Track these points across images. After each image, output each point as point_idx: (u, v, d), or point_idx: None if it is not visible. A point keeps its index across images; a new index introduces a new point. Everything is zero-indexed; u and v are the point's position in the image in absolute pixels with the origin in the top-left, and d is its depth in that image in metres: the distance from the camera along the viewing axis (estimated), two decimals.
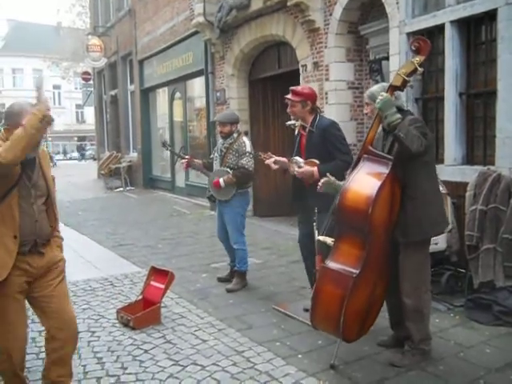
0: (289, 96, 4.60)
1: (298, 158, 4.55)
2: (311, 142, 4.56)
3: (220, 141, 5.72)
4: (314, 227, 4.29)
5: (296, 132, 4.73)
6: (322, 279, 3.62)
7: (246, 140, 5.60)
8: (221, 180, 5.41)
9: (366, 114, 3.85)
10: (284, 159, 4.73)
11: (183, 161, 5.83)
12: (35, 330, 4.47)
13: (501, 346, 3.95)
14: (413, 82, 3.64)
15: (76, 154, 47.52)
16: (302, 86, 4.74)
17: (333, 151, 4.46)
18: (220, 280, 5.82)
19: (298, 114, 4.61)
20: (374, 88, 3.81)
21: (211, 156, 5.89)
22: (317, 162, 4.42)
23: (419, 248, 3.64)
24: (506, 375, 3.50)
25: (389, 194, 3.49)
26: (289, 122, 4.79)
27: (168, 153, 13.92)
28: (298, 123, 4.67)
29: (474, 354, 3.82)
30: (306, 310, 4.61)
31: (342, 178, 4.38)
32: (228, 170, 5.45)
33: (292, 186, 4.82)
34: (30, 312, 4.90)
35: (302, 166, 4.46)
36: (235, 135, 5.55)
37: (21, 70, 49.14)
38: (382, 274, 3.64)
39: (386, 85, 3.80)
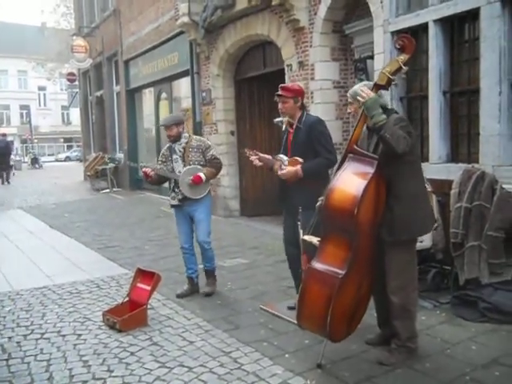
0: (281, 92, 4.60)
1: (282, 156, 4.55)
2: (298, 139, 4.57)
3: (172, 145, 5.44)
4: (299, 226, 4.29)
5: (283, 128, 4.75)
6: (309, 280, 3.61)
7: (200, 137, 5.57)
8: (201, 174, 5.26)
9: (350, 113, 3.85)
10: (268, 156, 4.73)
11: (147, 169, 5.38)
12: (20, 334, 4.44)
13: (486, 343, 3.97)
14: (397, 81, 3.64)
15: (62, 156, 47.18)
16: (291, 83, 4.77)
17: (318, 148, 4.47)
18: (179, 296, 5.38)
19: (289, 111, 4.60)
20: (357, 87, 3.80)
21: (159, 166, 5.47)
22: (300, 160, 4.42)
23: (406, 247, 3.65)
24: (492, 371, 3.52)
25: (374, 193, 3.49)
26: (276, 119, 4.80)
27: (154, 154, 13.91)
28: (284, 119, 4.67)
29: (460, 351, 3.84)
30: (291, 308, 4.63)
31: (325, 175, 4.42)
32: (198, 166, 5.32)
33: (278, 185, 4.82)
34: (15, 316, 4.90)
35: (285, 164, 4.47)
36: (187, 134, 5.48)
37: (5, 72, 48.73)
38: (368, 274, 3.65)
39: (368, 83, 3.81)
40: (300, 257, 4.45)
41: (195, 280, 5.54)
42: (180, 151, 5.39)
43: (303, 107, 4.67)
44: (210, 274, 5.59)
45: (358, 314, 3.76)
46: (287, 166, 4.46)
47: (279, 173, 4.50)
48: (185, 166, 5.35)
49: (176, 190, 5.40)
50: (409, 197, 3.57)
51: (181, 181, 5.30)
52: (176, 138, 5.38)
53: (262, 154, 4.76)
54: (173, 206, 5.53)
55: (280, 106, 4.62)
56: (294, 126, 4.58)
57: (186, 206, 5.41)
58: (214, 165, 5.41)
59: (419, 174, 3.74)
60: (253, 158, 4.74)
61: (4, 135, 21.94)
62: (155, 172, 5.37)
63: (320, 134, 4.53)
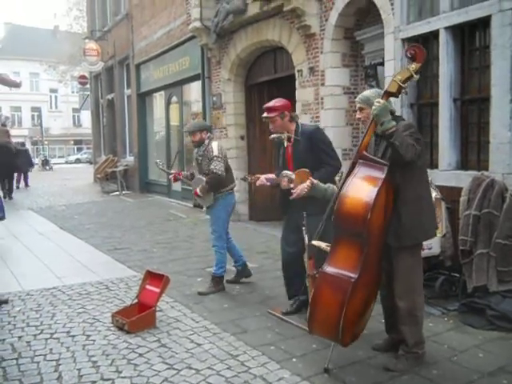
0: (265, 114, 4.67)
1: (287, 172, 4.56)
2: (298, 151, 4.60)
3: (195, 150, 5.80)
4: (304, 231, 4.31)
5: (285, 144, 4.72)
6: (321, 284, 3.62)
7: (214, 145, 5.65)
8: (197, 189, 5.58)
9: (359, 118, 3.86)
10: (273, 175, 4.77)
11: (170, 176, 5.98)
12: (30, 334, 4.48)
13: (494, 351, 3.97)
14: (407, 88, 3.66)
15: (73, 158, 47.42)
16: (275, 100, 4.75)
17: (322, 157, 4.51)
18: (228, 282, 5.86)
19: (280, 128, 4.67)
20: (369, 93, 3.82)
21: (192, 169, 6.05)
22: (306, 170, 4.43)
23: (411, 252, 3.67)
24: (499, 379, 3.52)
25: (385, 198, 3.52)
26: (273, 136, 4.76)
27: (164, 158, 13.99)
28: (284, 136, 4.68)
29: (467, 358, 3.84)
30: (286, 314, 4.76)
31: (332, 182, 4.46)
32: (202, 177, 5.60)
33: (279, 197, 4.85)
34: (25, 316, 4.95)
35: (292, 178, 4.47)
36: (206, 142, 5.64)
37: (17, 74, 49.00)
38: (377, 277, 3.68)
39: (379, 90, 3.83)
40: (298, 260, 4.60)
41: (239, 268, 5.97)
42: (197, 159, 5.71)
43: (294, 119, 4.71)
44: (213, 277, 5.70)
45: (364, 318, 3.78)
46: (295, 181, 4.44)
47: (294, 195, 4.41)
48: (199, 174, 5.69)
49: None
50: (415, 202, 3.59)
51: (193, 189, 5.77)
52: (199, 144, 5.66)
53: (264, 176, 4.82)
54: (195, 206, 6.05)
55: (270, 126, 4.69)
56: (292, 140, 4.61)
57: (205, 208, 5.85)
58: (208, 179, 5.52)
59: (425, 180, 3.77)
60: (258, 182, 4.81)
61: (23, 144, 21.64)
62: (178, 179, 6.04)
63: (322, 143, 4.58)
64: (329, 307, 3.52)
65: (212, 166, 5.51)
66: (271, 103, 4.75)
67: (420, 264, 3.77)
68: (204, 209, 6.05)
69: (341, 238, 3.64)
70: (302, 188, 4.32)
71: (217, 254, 5.68)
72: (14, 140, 17.83)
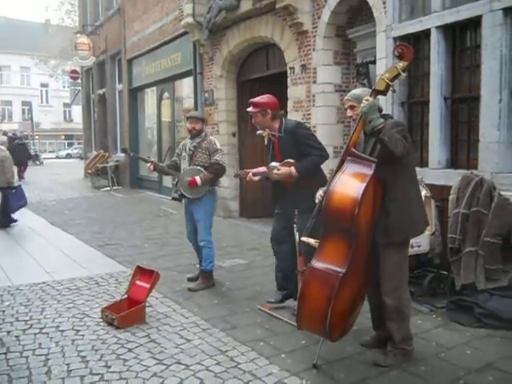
0: (249, 109, 4.77)
1: (273, 164, 4.71)
2: (283, 147, 4.74)
3: (187, 141, 5.73)
4: (295, 229, 4.35)
5: (266, 141, 4.89)
6: (309, 279, 3.65)
7: (214, 139, 5.78)
8: (197, 178, 5.45)
9: (351, 116, 3.88)
10: (262, 168, 4.91)
11: (148, 164, 5.78)
12: (19, 329, 4.48)
13: (481, 348, 4.01)
14: (396, 87, 3.69)
15: (63, 153, 47.15)
16: (261, 96, 4.83)
17: (307, 150, 4.63)
18: (189, 279, 5.86)
19: (261, 124, 4.79)
20: (360, 91, 3.85)
21: (174, 158, 5.90)
22: (292, 161, 4.61)
23: (399, 249, 3.70)
24: (485, 376, 3.56)
25: (373, 194, 3.55)
26: (258, 132, 4.89)
27: (155, 153, 13.96)
28: (265, 132, 4.82)
29: (454, 355, 3.87)
30: (271, 302, 4.89)
31: (321, 175, 4.68)
32: (200, 168, 5.52)
33: (272, 190, 4.98)
34: (15, 310, 4.93)
35: (279, 168, 4.61)
36: (203, 134, 5.66)
37: (8, 68, 48.79)
38: (363, 275, 3.69)
39: (369, 90, 3.86)
40: (289, 253, 4.69)
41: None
42: (190, 150, 5.61)
43: (279, 116, 4.80)
44: (203, 273, 5.71)
45: (353, 314, 3.80)
46: (281, 168, 4.58)
47: (274, 172, 4.60)
48: (190, 165, 5.57)
49: (177, 185, 5.67)
50: (404, 199, 3.62)
51: (180, 180, 5.58)
52: (196, 134, 5.60)
53: (254, 170, 4.94)
54: (173, 198, 5.88)
55: (252, 120, 4.77)
56: (277, 136, 4.70)
57: (187, 202, 5.69)
58: (213, 170, 5.52)
59: (414, 177, 3.80)
60: (248, 176, 4.96)
61: (21, 138, 22.12)
62: (159, 168, 5.80)
63: (304, 138, 4.70)
64: (316, 302, 3.54)
65: (218, 158, 5.54)
66: (256, 99, 4.84)
67: (406, 261, 3.81)
68: (183, 202, 5.88)
69: (329, 233, 3.67)
70: (284, 170, 4.58)
71: (205, 248, 5.63)
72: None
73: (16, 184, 10.01)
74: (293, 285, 4.79)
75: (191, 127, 5.60)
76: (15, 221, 9.86)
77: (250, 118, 4.95)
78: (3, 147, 10.24)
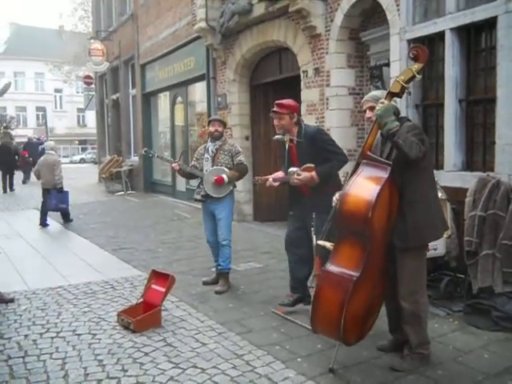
0: (276, 109, 4.70)
1: (293, 169, 4.70)
2: (302, 152, 4.74)
3: (209, 143, 5.85)
4: (312, 232, 4.35)
5: (287, 146, 4.86)
6: (323, 283, 3.65)
7: (233, 142, 5.99)
8: (224, 176, 5.61)
9: (369, 118, 3.86)
10: (281, 174, 4.90)
11: (174, 164, 5.88)
12: (36, 333, 4.51)
13: (499, 352, 3.97)
14: (411, 89, 3.67)
15: (77, 158, 47.53)
16: (286, 100, 4.82)
17: (327, 155, 4.65)
18: (205, 283, 5.88)
19: (285, 127, 4.78)
20: (379, 93, 3.84)
21: (193, 163, 5.95)
22: (312, 165, 4.61)
23: (417, 253, 3.67)
24: (504, 380, 3.52)
25: (388, 198, 3.53)
26: (276, 137, 4.87)
27: (169, 157, 14.00)
28: (286, 137, 4.80)
29: (472, 359, 3.84)
30: (283, 305, 4.81)
31: (337, 180, 4.67)
32: (224, 168, 5.67)
33: (289, 195, 4.97)
34: (31, 314, 4.97)
35: (300, 173, 4.60)
36: (224, 138, 5.87)
37: (22, 74, 49.24)
38: (380, 277, 3.67)
39: (383, 92, 3.84)
40: (305, 257, 4.70)
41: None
42: (212, 152, 5.76)
43: (299, 121, 4.80)
44: (223, 274, 5.73)
45: (370, 319, 3.78)
46: (302, 173, 4.56)
47: (295, 177, 4.58)
48: (213, 166, 5.72)
49: (201, 186, 5.79)
50: (421, 203, 3.60)
51: (205, 179, 5.71)
52: (218, 136, 5.78)
53: (273, 175, 4.96)
54: (196, 200, 5.93)
55: (276, 122, 4.79)
56: (295, 141, 4.68)
57: (208, 203, 5.78)
58: (240, 169, 5.76)
59: (432, 180, 3.77)
60: (268, 182, 4.94)
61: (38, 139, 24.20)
62: (182, 168, 5.86)
63: (324, 143, 4.72)
64: (330, 305, 3.53)
65: (241, 158, 5.75)
66: (285, 100, 4.84)
67: (425, 265, 3.77)
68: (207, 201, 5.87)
69: (343, 236, 3.66)
70: (305, 175, 4.58)
71: (226, 247, 5.75)
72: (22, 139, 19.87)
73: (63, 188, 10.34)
74: (305, 289, 4.82)
75: (214, 129, 5.76)
76: (47, 225, 10.11)
77: (264, 121, 4.95)
78: (53, 152, 10.51)
